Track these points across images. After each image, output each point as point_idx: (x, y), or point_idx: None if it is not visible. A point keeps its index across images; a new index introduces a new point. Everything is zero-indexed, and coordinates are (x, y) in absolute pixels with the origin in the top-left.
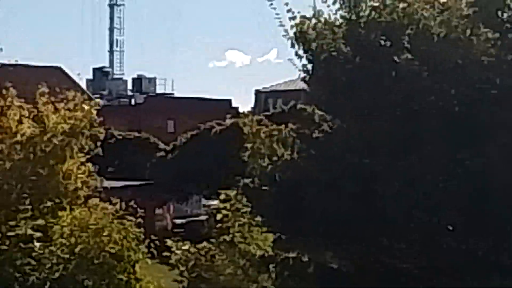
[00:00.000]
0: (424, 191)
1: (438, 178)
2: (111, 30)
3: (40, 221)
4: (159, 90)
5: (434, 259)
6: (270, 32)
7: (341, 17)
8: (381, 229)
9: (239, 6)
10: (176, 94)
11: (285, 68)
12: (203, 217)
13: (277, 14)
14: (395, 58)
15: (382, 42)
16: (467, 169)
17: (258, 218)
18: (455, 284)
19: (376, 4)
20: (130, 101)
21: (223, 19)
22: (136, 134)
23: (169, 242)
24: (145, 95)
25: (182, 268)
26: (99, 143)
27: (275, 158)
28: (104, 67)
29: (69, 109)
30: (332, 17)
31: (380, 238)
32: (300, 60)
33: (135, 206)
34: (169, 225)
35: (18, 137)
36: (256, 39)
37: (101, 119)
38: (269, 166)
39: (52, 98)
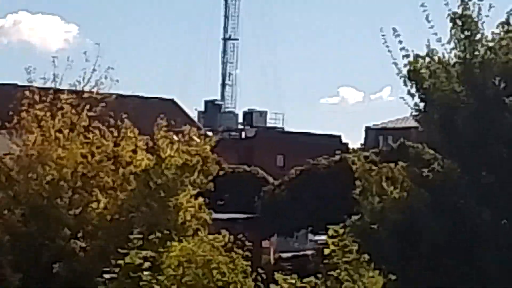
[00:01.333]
0: None
1: None
2: (224, 63)
3: (150, 252)
4: (270, 124)
5: None
6: (384, 69)
7: (456, 56)
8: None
9: (354, 42)
10: (287, 129)
11: (398, 106)
12: (310, 252)
13: (389, 51)
14: (508, 100)
15: (497, 83)
16: None
17: (366, 256)
18: None
19: (492, 44)
20: (240, 135)
21: (337, 54)
22: (246, 168)
23: (276, 275)
24: (255, 129)
25: None
26: (210, 178)
27: (384, 197)
28: (216, 100)
29: (184, 143)
30: (446, 56)
31: None
32: (413, 99)
33: (243, 239)
34: (272, 259)
35: (132, 168)
36: (370, 76)
37: (215, 155)
38: (379, 205)
39: (166, 130)
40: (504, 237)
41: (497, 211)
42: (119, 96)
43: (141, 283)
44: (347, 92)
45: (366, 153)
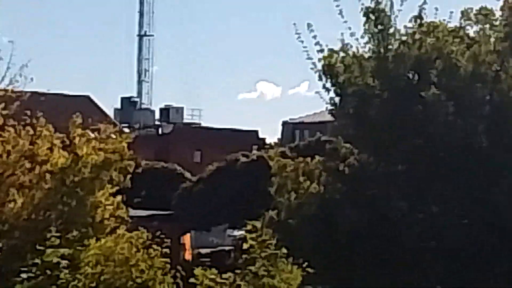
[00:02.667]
0: (445, 233)
1: (457, 216)
2: (139, 60)
3: (67, 250)
4: (187, 120)
5: None
6: (302, 64)
7: (369, 50)
8: (409, 270)
9: (273, 37)
10: (204, 125)
11: (315, 101)
12: (228, 247)
13: (304, 47)
14: (423, 93)
15: (411, 76)
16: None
17: (284, 250)
18: None
19: (405, 38)
20: (157, 131)
21: (255, 50)
22: (163, 164)
23: (196, 270)
24: (172, 125)
25: None
26: (128, 175)
27: (301, 191)
28: (132, 97)
29: (100, 141)
30: (361, 51)
31: (408, 277)
32: (328, 93)
33: (161, 236)
34: (190, 255)
35: (49, 166)
36: (288, 71)
37: (131, 152)
38: (295, 200)
39: (82, 128)
40: (419, 226)
41: (412, 201)
42: (34, 93)
43: (58, 281)
44: (265, 87)
45: (283, 149)
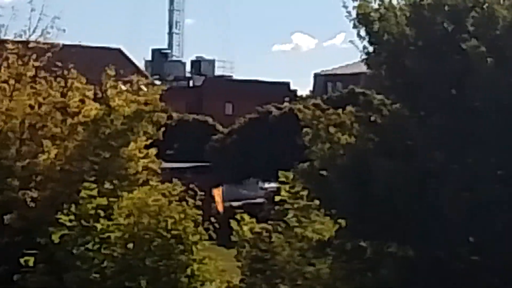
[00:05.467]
0: (482, 191)
1: (496, 177)
2: (170, 11)
3: (102, 200)
4: (218, 72)
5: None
6: (338, 15)
7: None
8: (439, 227)
9: None
10: (235, 77)
11: (351, 53)
12: (261, 200)
13: None
14: (461, 44)
15: (446, 26)
16: None
17: (316, 202)
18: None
19: None
20: (188, 83)
21: (291, 1)
22: (195, 116)
23: (239, 215)
24: (203, 77)
25: (240, 248)
26: (161, 128)
27: (334, 142)
28: (163, 48)
29: (132, 93)
30: (395, 0)
31: (438, 235)
32: (362, 42)
33: (194, 188)
34: (222, 208)
35: (81, 118)
36: (324, 22)
37: (163, 104)
38: (328, 151)
39: (114, 80)
40: (457, 178)
41: (448, 152)
42: (66, 46)
43: (93, 232)
44: (300, 38)
45: (315, 101)
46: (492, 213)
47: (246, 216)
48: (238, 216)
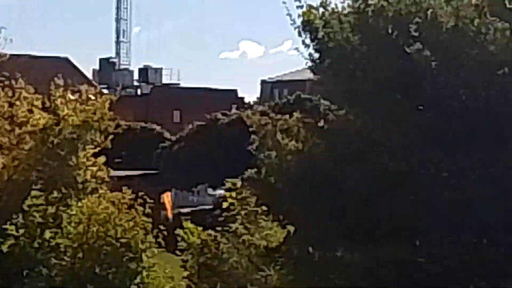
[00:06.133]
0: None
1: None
2: (117, 20)
3: (50, 209)
4: (166, 80)
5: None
6: (285, 23)
7: (349, 6)
8: (384, 228)
9: None
10: (183, 85)
11: (298, 60)
12: (209, 206)
13: (284, 2)
14: (405, 48)
15: (390, 31)
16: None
17: (264, 207)
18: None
19: None
20: (136, 92)
21: (238, 9)
22: (143, 124)
23: (185, 223)
24: (151, 85)
25: (188, 257)
26: (109, 136)
27: (280, 149)
28: (110, 57)
29: (81, 102)
30: (339, 6)
31: (385, 238)
32: (307, 49)
33: (144, 195)
34: (171, 214)
35: (29, 127)
36: (271, 30)
37: (112, 113)
38: (275, 158)
39: (62, 90)
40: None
41: (393, 157)
42: (13, 55)
43: (40, 240)
44: (248, 46)
45: (262, 108)
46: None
47: (190, 224)
48: (184, 223)
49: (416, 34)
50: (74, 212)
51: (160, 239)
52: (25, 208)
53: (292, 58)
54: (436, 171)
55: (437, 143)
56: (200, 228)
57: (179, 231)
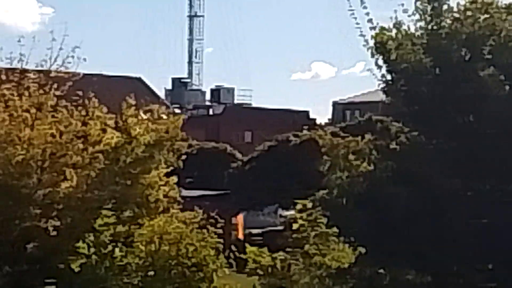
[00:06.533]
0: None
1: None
2: (190, 40)
3: (121, 228)
4: (238, 101)
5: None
6: (358, 44)
7: (421, 27)
8: (456, 252)
9: (327, 16)
10: (255, 105)
11: (371, 82)
12: (280, 227)
13: (357, 24)
14: (477, 71)
15: (463, 53)
16: None
17: (335, 229)
18: None
19: (458, 16)
20: (208, 112)
21: (311, 30)
22: (214, 144)
23: (248, 249)
24: (223, 106)
25: (258, 276)
26: (181, 156)
27: (352, 170)
28: (183, 77)
29: (153, 121)
30: (412, 28)
31: (454, 262)
32: (380, 70)
33: (215, 216)
34: (241, 235)
35: (101, 146)
36: (344, 51)
37: (183, 133)
38: (347, 179)
39: (134, 109)
40: (472, 204)
41: (464, 179)
42: (86, 75)
43: (112, 259)
44: (320, 67)
45: (333, 128)
46: (508, 239)
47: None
48: (255, 244)
49: (490, 57)
50: (145, 231)
51: (231, 260)
52: (97, 226)
53: (364, 79)
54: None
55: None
56: (265, 250)
57: (249, 252)
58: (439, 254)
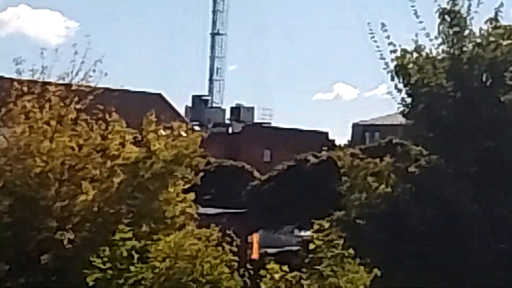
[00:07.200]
0: None
1: None
2: (212, 58)
3: (137, 243)
4: (258, 119)
5: None
6: (380, 66)
7: (443, 51)
8: (476, 277)
9: (350, 37)
10: (274, 124)
11: (392, 104)
12: (296, 248)
13: (378, 47)
14: (499, 96)
15: (484, 79)
16: None
17: (351, 250)
18: None
19: (480, 41)
20: (227, 130)
21: (334, 51)
22: (232, 162)
23: (268, 265)
24: (242, 124)
25: None
26: (199, 173)
27: (370, 192)
28: (203, 95)
29: (172, 138)
30: (434, 52)
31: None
32: (400, 94)
33: (231, 234)
34: (257, 254)
35: (120, 161)
36: (366, 73)
37: (202, 150)
38: (365, 200)
39: (154, 125)
40: (494, 229)
41: (485, 203)
42: (107, 89)
43: (127, 275)
44: (342, 88)
45: (353, 150)
46: None
47: (275, 265)
48: (269, 264)
49: (511, 82)
50: (161, 247)
51: (246, 279)
52: (113, 240)
53: (386, 102)
54: None
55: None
56: (285, 269)
57: (263, 271)
58: (459, 279)
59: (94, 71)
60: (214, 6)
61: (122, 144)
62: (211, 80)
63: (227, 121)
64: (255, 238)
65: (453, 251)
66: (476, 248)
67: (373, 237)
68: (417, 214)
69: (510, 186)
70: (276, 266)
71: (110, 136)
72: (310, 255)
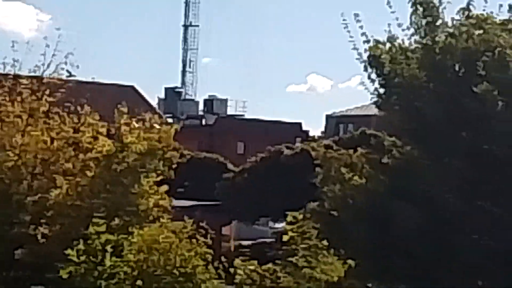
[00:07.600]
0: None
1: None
2: (185, 50)
3: (111, 236)
4: (231, 112)
5: None
6: (354, 58)
7: (416, 41)
8: (459, 273)
9: (326, 29)
10: (247, 116)
11: (366, 96)
12: (270, 240)
13: (351, 37)
14: (472, 87)
15: (457, 68)
16: None
17: (325, 242)
18: None
19: (452, 31)
20: (201, 122)
21: (307, 42)
22: (206, 154)
23: (236, 261)
24: (216, 116)
25: None
26: (172, 166)
27: (344, 183)
28: (176, 87)
29: (145, 130)
30: (406, 42)
31: (454, 282)
32: (373, 84)
33: (205, 226)
34: (232, 247)
35: (93, 154)
36: (340, 64)
37: (176, 142)
38: (339, 192)
39: (127, 117)
40: (479, 225)
41: (463, 197)
42: (79, 82)
43: (101, 268)
44: (316, 80)
45: (326, 141)
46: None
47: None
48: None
49: (484, 73)
50: (135, 240)
51: (220, 271)
52: (87, 234)
53: (361, 93)
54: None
55: (495, 184)
56: (254, 262)
57: (238, 264)
58: (440, 273)
59: (65, 63)
60: None
61: (95, 137)
62: (184, 72)
63: (201, 113)
64: (228, 230)
65: (436, 245)
66: (460, 243)
67: (348, 229)
68: (399, 207)
69: (490, 179)
70: (241, 262)
71: (82, 128)
72: (284, 247)
